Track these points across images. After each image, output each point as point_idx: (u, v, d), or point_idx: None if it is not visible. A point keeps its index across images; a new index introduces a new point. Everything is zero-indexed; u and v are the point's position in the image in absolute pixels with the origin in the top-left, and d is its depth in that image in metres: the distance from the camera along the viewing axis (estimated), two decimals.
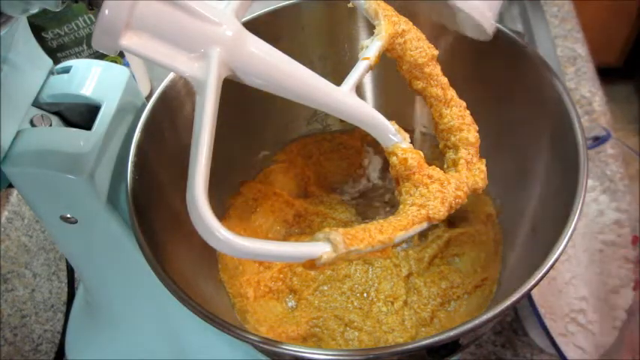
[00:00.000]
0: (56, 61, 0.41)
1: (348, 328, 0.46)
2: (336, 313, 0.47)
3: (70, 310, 0.55)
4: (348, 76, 0.35)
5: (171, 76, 0.45)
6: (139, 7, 0.28)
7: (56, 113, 0.41)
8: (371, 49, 0.36)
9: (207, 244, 0.28)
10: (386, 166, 0.52)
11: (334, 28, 0.50)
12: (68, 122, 0.41)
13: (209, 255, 0.48)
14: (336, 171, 0.57)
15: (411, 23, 0.38)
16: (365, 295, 0.48)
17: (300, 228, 0.54)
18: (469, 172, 0.37)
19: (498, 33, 0.46)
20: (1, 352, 0.57)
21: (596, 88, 0.71)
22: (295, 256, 0.30)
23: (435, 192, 0.34)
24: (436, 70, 0.38)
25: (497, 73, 0.47)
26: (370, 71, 0.36)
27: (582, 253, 0.53)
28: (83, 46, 0.63)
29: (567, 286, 0.51)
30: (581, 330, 0.48)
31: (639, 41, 1.56)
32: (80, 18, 0.60)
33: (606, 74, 0.88)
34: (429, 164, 0.36)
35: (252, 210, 0.53)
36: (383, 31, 0.36)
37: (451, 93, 0.38)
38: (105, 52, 0.29)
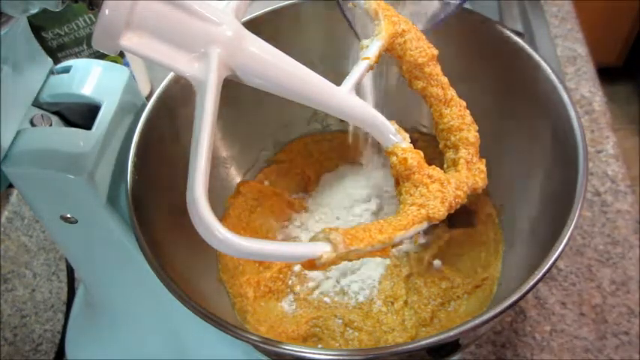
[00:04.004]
0: (56, 61, 0.41)
1: (348, 328, 0.46)
2: (336, 313, 0.47)
3: (70, 310, 0.55)
4: (348, 76, 0.35)
5: (171, 76, 0.45)
6: (139, 7, 0.28)
7: (56, 113, 0.40)
8: (371, 49, 0.36)
9: (207, 244, 0.28)
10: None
11: (334, 28, 0.50)
12: (68, 122, 0.41)
13: (209, 255, 0.48)
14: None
15: (410, 23, 0.38)
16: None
17: None
18: (469, 172, 0.37)
19: (498, 33, 0.46)
20: (1, 352, 0.57)
21: (596, 88, 0.71)
22: (295, 256, 0.30)
23: (435, 192, 0.34)
24: (436, 70, 0.38)
25: (498, 73, 0.47)
26: (370, 71, 0.36)
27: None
28: (83, 46, 0.63)
29: None
30: None
31: (639, 41, 1.56)
32: (80, 18, 0.60)
33: (606, 74, 0.88)
34: (429, 164, 0.36)
35: (252, 210, 0.53)
36: (383, 30, 0.36)
37: (451, 93, 0.38)
38: (105, 52, 0.29)
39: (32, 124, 0.39)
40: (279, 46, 0.32)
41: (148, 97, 0.43)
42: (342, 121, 0.35)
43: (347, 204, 0.52)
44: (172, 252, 0.40)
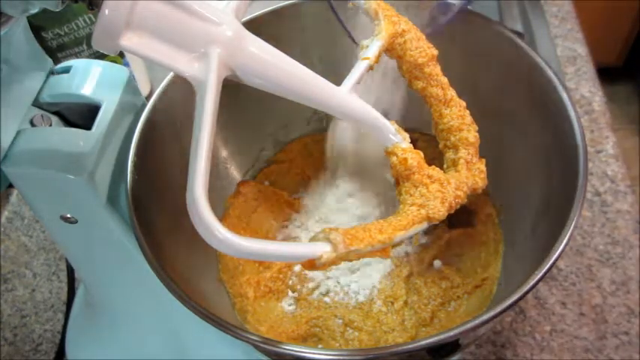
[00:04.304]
0: (56, 61, 0.41)
1: (348, 328, 0.46)
2: (336, 313, 0.47)
3: (70, 310, 0.55)
4: (348, 76, 0.35)
5: (171, 76, 0.45)
6: (139, 7, 0.28)
7: (56, 113, 0.40)
8: (371, 49, 0.36)
9: (207, 244, 0.28)
10: None
11: (334, 28, 0.50)
12: (68, 122, 0.41)
13: (209, 255, 0.48)
14: None
15: (411, 23, 0.38)
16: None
17: None
18: (469, 172, 0.37)
19: (498, 33, 0.46)
20: (1, 352, 0.57)
21: (596, 88, 0.71)
22: (295, 256, 0.30)
23: (434, 192, 0.34)
24: (436, 70, 0.38)
25: (497, 74, 0.47)
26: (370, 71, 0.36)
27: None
28: (83, 46, 0.63)
29: None
30: None
31: (639, 41, 1.56)
32: (80, 18, 0.60)
33: (606, 74, 0.88)
34: (429, 164, 0.36)
35: (252, 210, 0.53)
36: (383, 30, 0.36)
37: (451, 93, 0.38)
38: (105, 52, 0.29)
39: (32, 124, 0.39)
40: (279, 46, 0.32)
41: (148, 97, 0.43)
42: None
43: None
44: (172, 252, 0.40)
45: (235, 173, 0.54)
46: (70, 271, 0.56)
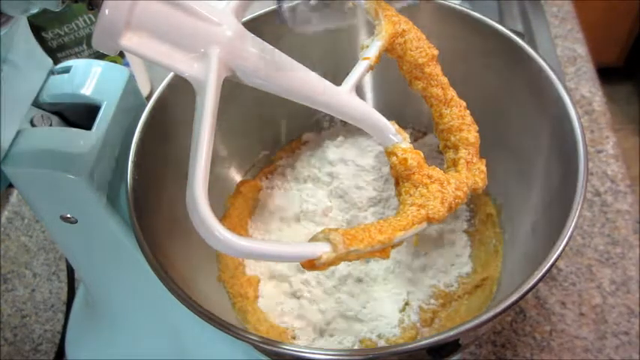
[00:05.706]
0: (56, 61, 0.41)
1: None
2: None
3: (70, 310, 0.55)
4: (348, 76, 0.35)
5: (171, 76, 0.45)
6: (138, 7, 0.28)
7: (56, 113, 0.41)
8: (371, 49, 0.36)
9: (207, 244, 0.28)
10: None
11: (334, 28, 0.50)
12: (68, 122, 0.41)
13: (209, 255, 0.48)
14: None
15: (411, 23, 0.38)
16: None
17: None
18: (469, 172, 0.37)
19: (498, 33, 0.46)
20: (1, 352, 0.57)
21: (596, 88, 0.71)
22: (295, 256, 0.30)
23: (434, 192, 0.34)
24: (436, 70, 0.38)
25: (498, 73, 0.47)
26: (370, 71, 0.36)
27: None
28: (83, 46, 0.63)
29: None
30: None
31: (639, 41, 1.56)
32: (80, 18, 0.60)
33: (606, 74, 0.88)
34: (429, 164, 0.36)
35: (252, 210, 0.53)
36: (383, 30, 0.36)
37: (451, 93, 0.38)
38: (105, 52, 0.29)
39: (32, 124, 0.39)
40: (279, 46, 0.32)
41: (148, 97, 0.43)
42: (342, 121, 0.35)
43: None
44: (172, 252, 0.40)
45: (235, 173, 0.54)
46: (70, 271, 0.56)
